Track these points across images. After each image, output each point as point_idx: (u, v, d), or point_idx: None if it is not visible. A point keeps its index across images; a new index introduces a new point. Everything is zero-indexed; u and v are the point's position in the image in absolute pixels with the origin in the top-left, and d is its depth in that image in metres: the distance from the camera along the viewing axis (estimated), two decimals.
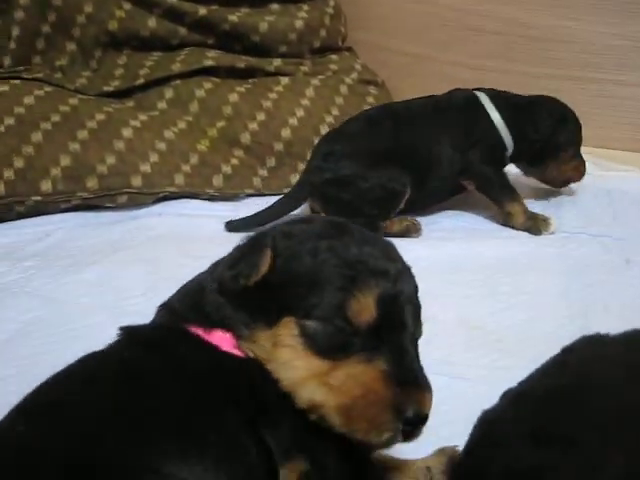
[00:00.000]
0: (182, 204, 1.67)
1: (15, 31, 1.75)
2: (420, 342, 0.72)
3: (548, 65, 1.96)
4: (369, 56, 2.13)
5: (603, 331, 0.76)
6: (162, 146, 1.71)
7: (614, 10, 1.86)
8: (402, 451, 0.76)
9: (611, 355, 0.70)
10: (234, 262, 0.71)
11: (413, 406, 0.65)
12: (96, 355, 0.70)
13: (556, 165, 1.67)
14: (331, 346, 0.66)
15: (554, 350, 0.75)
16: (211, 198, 1.72)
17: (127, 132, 1.69)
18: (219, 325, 0.70)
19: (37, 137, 1.62)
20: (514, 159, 1.67)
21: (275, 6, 2.00)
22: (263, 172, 1.81)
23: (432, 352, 0.76)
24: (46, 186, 1.60)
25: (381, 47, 2.17)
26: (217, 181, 1.74)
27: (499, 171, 1.63)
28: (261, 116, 1.84)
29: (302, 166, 1.71)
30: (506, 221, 1.60)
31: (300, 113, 1.87)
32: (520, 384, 0.71)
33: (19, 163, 1.59)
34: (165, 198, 1.69)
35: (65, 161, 1.62)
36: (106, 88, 1.81)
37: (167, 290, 0.77)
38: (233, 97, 1.85)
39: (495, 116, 1.63)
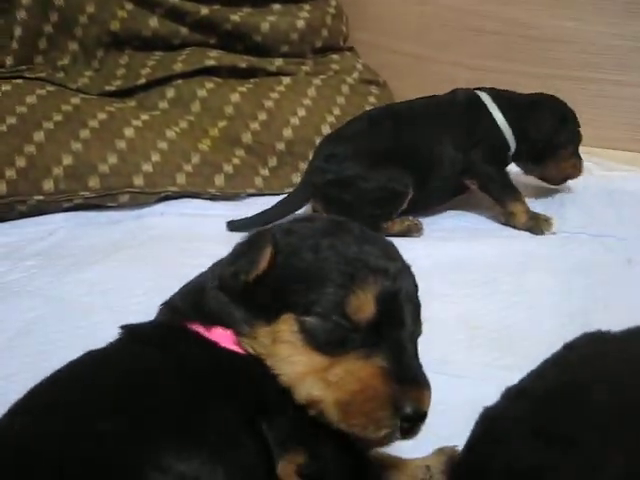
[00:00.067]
0: (184, 203, 1.68)
1: (17, 31, 1.75)
2: (420, 341, 0.72)
3: (548, 65, 1.96)
4: (370, 56, 2.14)
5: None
6: (164, 146, 1.72)
7: (614, 10, 1.86)
8: (402, 449, 0.76)
9: (612, 352, 0.70)
10: (234, 259, 0.72)
11: (411, 403, 0.65)
12: (96, 353, 0.70)
13: (556, 163, 1.68)
14: (330, 342, 0.67)
15: (555, 349, 0.75)
16: (213, 198, 1.73)
17: (129, 132, 1.70)
18: (220, 322, 0.71)
19: (39, 136, 1.63)
20: (515, 158, 1.67)
21: (277, 6, 2.01)
22: (265, 172, 1.82)
23: (432, 351, 0.76)
24: (48, 185, 1.60)
25: (382, 47, 2.17)
26: (219, 181, 1.74)
27: (501, 170, 1.63)
28: (263, 116, 1.85)
29: (303, 166, 1.72)
30: (508, 221, 1.60)
31: (302, 113, 1.88)
32: (521, 381, 0.71)
33: (21, 162, 1.60)
34: (167, 197, 1.69)
35: (67, 160, 1.62)
36: (108, 88, 1.82)
37: (169, 289, 0.78)
38: (235, 97, 1.86)
39: (498, 116, 1.63)
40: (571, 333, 0.78)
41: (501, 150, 1.64)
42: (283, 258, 0.70)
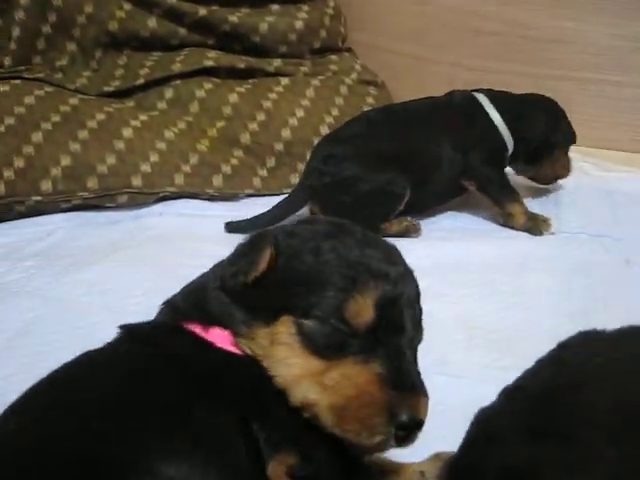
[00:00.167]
0: (182, 204, 1.68)
1: (15, 31, 1.75)
2: None
3: (548, 66, 1.96)
4: (369, 57, 2.14)
5: None
6: (162, 146, 1.72)
7: (614, 10, 1.86)
8: (398, 453, 0.76)
9: (607, 350, 0.70)
10: (235, 259, 0.72)
11: (407, 410, 0.65)
12: (92, 353, 0.70)
13: (551, 163, 1.69)
14: (327, 346, 0.66)
15: None
16: (211, 198, 1.73)
17: (127, 132, 1.70)
18: (220, 323, 0.70)
19: (37, 137, 1.63)
20: (512, 159, 1.67)
21: (275, 7, 2.01)
22: (263, 172, 1.82)
23: (431, 351, 0.76)
24: (46, 186, 1.60)
25: (380, 48, 2.17)
26: (217, 181, 1.74)
27: (500, 172, 1.63)
28: (261, 116, 1.85)
29: (302, 166, 1.71)
30: (507, 222, 1.60)
31: (300, 113, 1.88)
32: (517, 380, 0.71)
33: (19, 163, 1.60)
34: (165, 198, 1.69)
35: (65, 161, 1.62)
36: (106, 88, 1.82)
37: (167, 289, 0.78)
38: (233, 97, 1.86)
39: (495, 117, 1.63)
40: (570, 333, 0.78)
41: (499, 151, 1.64)
42: (284, 260, 0.69)
